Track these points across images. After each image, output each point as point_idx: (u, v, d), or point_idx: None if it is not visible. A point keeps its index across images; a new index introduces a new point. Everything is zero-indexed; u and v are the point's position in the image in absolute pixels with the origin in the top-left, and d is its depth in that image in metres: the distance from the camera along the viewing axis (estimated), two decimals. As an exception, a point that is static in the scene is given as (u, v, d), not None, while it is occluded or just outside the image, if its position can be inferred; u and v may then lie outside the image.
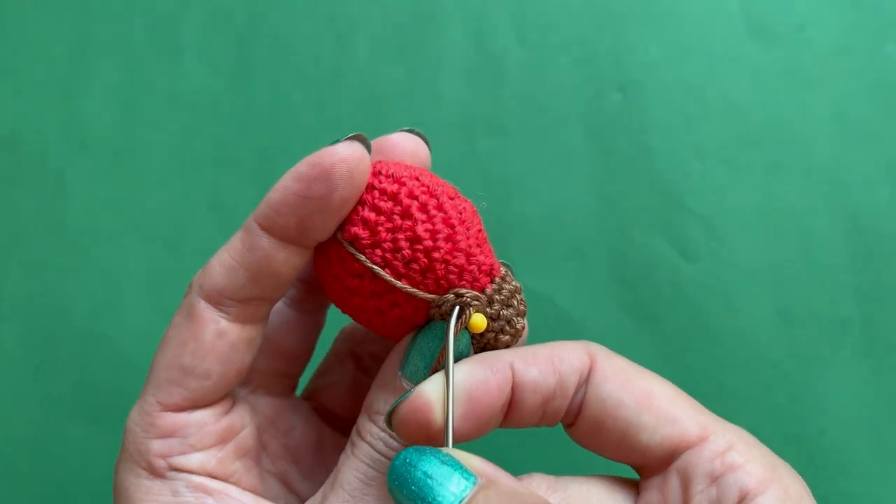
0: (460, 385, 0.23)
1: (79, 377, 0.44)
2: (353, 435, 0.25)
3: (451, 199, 0.25)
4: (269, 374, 0.28)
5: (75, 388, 0.44)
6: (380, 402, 0.24)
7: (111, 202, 0.46)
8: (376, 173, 0.24)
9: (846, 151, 0.46)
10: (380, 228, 0.24)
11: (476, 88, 0.47)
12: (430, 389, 0.23)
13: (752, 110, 0.46)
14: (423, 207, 0.24)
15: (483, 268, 0.25)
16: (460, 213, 0.24)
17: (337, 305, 0.26)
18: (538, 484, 0.24)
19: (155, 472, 0.24)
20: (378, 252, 0.24)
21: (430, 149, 0.26)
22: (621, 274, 0.44)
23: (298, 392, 0.30)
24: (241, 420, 0.26)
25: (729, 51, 0.47)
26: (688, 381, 0.43)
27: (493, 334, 0.25)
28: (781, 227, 0.44)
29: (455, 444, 0.23)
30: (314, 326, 0.29)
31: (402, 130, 0.26)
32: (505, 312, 0.25)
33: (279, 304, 0.28)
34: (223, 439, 0.25)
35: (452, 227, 0.24)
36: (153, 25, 0.48)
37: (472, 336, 0.25)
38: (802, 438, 0.42)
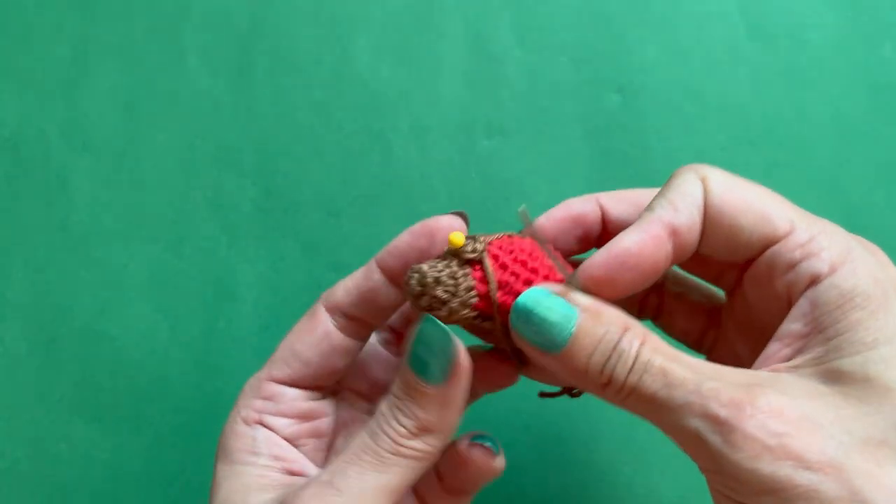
0: (623, 246, 0.27)
1: (80, 377, 0.44)
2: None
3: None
4: (354, 391, 0.34)
5: (77, 388, 0.44)
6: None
7: (113, 203, 0.46)
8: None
9: (844, 152, 0.46)
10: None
11: (476, 89, 0.47)
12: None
13: (750, 111, 0.47)
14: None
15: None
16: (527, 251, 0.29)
17: None
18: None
19: (247, 422, 0.31)
20: None
21: None
22: (620, 274, 0.45)
23: None
24: (323, 410, 0.33)
25: (727, 52, 0.47)
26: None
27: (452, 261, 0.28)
28: (779, 227, 0.45)
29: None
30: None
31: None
32: (471, 251, 0.28)
33: (375, 345, 0.34)
34: (304, 417, 0.32)
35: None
36: (155, 27, 0.49)
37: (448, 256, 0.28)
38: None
